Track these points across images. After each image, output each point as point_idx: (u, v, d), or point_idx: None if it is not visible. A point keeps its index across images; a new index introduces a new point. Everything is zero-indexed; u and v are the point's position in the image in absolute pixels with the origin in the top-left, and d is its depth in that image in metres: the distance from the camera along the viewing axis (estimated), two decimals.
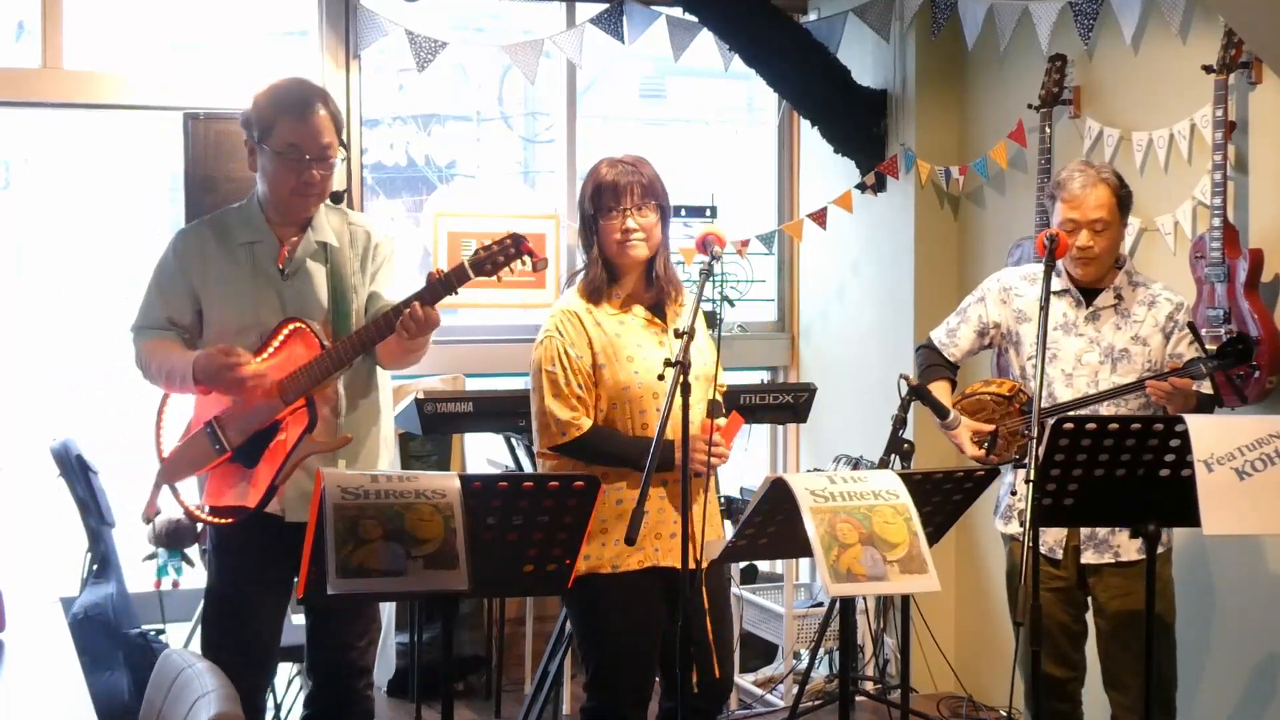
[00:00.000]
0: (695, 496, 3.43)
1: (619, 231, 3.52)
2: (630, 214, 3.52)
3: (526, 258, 3.44)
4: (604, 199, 3.54)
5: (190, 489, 3.70)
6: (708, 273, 3.59)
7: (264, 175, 3.60)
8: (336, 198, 3.74)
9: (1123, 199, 3.88)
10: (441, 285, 3.43)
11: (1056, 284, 3.91)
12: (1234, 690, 4.60)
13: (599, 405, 3.52)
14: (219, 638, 3.63)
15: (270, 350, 3.55)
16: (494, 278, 3.45)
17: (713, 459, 3.47)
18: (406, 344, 3.48)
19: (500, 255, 3.45)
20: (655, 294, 3.60)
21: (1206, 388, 3.81)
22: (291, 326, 3.55)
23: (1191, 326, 3.82)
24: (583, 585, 3.41)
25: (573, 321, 3.53)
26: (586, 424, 3.49)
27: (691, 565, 3.26)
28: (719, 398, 3.57)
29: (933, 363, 4.15)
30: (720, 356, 3.61)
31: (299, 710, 3.94)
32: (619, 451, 3.48)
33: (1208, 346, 3.78)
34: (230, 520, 3.58)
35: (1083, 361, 3.91)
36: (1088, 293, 3.94)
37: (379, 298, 3.66)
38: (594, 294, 3.56)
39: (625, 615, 3.50)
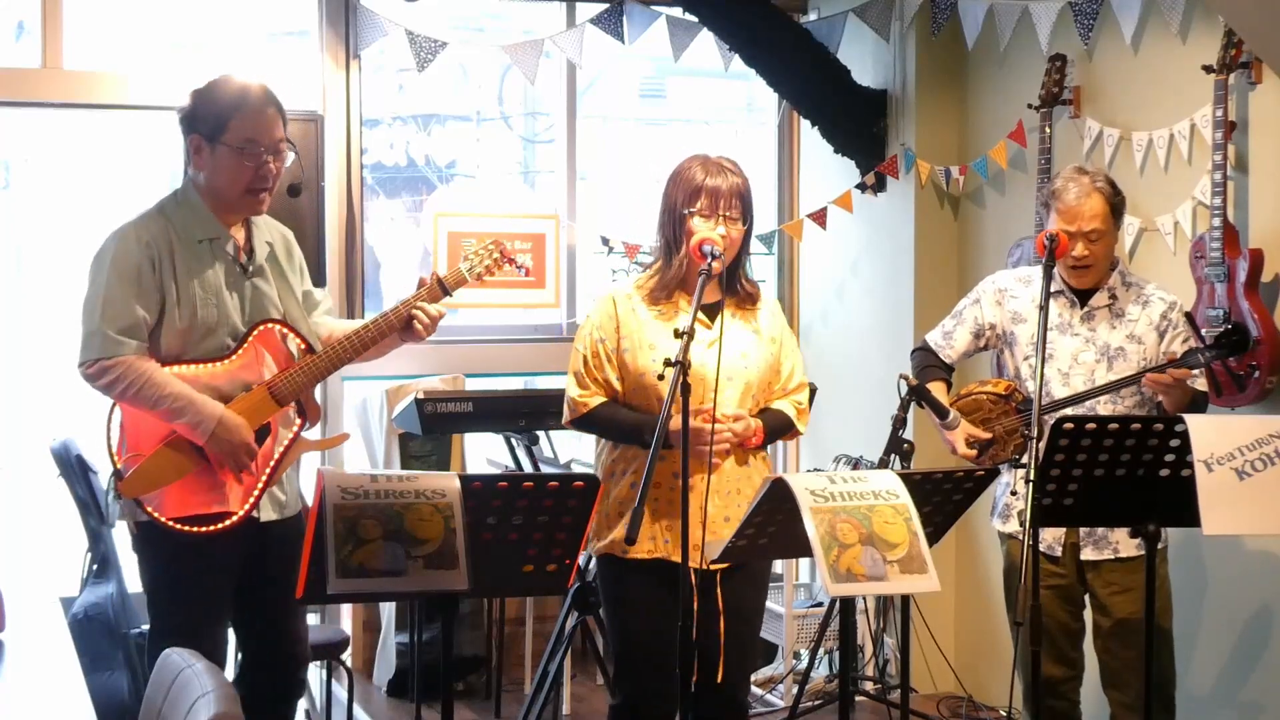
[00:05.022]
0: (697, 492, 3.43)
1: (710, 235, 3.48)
2: (724, 221, 3.50)
3: (507, 265, 3.77)
4: (701, 201, 3.50)
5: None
6: (707, 274, 3.58)
7: (216, 172, 3.52)
8: (294, 190, 3.74)
9: (1116, 206, 3.90)
10: (442, 289, 3.68)
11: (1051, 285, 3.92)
12: (1218, 676, 4.61)
13: (623, 389, 3.54)
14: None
15: (239, 351, 3.52)
16: (478, 281, 3.78)
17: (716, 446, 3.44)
18: (392, 343, 3.67)
19: (489, 262, 3.75)
20: (735, 300, 3.56)
21: (1201, 384, 3.82)
22: (263, 327, 3.54)
23: (1188, 316, 3.83)
24: (603, 561, 3.57)
25: (607, 307, 3.57)
26: (594, 401, 3.52)
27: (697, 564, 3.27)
28: (793, 411, 3.62)
29: (928, 364, 4.16)
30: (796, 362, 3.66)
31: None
32: (627, 424, 3.49)
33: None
34: (214, 528, 3.49)
35: (1079, 361, 3.92)
36: (1082, 293, 3.96)
37: (311, 295, 3.75)
38: (666, 291, 3.54)
39: (637, 602, 3.52)
